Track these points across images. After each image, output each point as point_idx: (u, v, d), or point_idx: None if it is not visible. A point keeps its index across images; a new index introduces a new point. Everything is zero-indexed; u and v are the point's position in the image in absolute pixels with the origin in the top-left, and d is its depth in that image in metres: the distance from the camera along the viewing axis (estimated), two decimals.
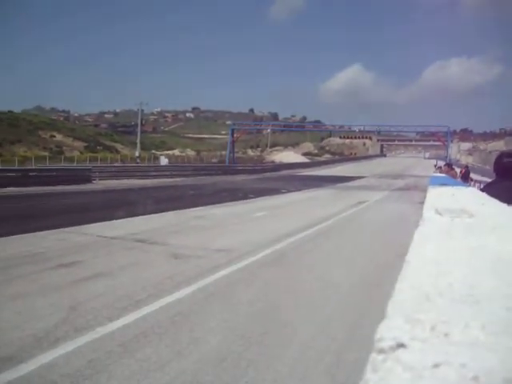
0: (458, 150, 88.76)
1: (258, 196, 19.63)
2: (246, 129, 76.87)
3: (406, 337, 0.47)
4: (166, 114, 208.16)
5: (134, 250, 8.10)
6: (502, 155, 3.97)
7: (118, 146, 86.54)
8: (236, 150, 67.31)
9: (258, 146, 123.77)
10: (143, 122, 74.56)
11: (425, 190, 3.88)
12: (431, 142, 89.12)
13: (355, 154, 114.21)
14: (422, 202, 2.30)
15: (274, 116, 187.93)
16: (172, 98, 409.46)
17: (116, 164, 45.70)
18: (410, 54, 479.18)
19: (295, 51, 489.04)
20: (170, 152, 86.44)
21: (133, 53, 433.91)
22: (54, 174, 25.04)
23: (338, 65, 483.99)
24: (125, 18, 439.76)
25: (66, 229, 9.88)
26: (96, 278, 6.19)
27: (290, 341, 4.33)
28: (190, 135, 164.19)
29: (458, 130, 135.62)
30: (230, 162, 56.76)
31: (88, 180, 25.61)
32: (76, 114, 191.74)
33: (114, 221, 11.26)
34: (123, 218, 11.69)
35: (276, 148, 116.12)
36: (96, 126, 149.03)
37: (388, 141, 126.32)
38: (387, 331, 0.48)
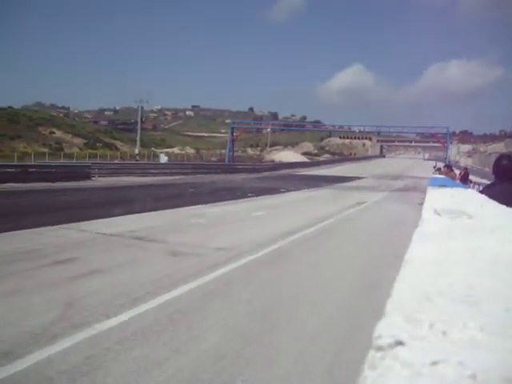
0: (458, 152, 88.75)
1: (257, 195, 19.61)
2: (246, 127, 76.86)
3: (404, 335, 0.47)
4: (166, 112, 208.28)
5: (132, 248, 8.09)
6: (501, 157, 3.98)
7: (118, 143, 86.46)
8: (236, 148, 67.28)
9: (257, 145, 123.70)
10: (143, 119, 74.45)
11: (424, 192, 3.89)
12: (431, 144, 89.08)
13: (355, 154, 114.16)
14: (421, 203, 2.31)
15: (274, 115, 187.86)
16: (172, 95, 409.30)
17: (115, 161, 45.59)
18: (410, 55, 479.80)
19: (295, 51, 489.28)
20: (170, 150, 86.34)
21: (133, 50, 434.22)
22: (54, 170, 24.96)
23: (338, 65, 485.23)
24: (126, 16, 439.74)
25: (65, 225, 9.87)
26: (93, 275, 6.18)
27: (288, 339, 4.33)
28: (190, 133, 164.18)
29: (457, 132, 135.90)
30: (229, 161, 56.69)
31: (87, 177, 25.56)
32: (76, 111, 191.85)
33: (113, 218, 11.24)
34: (122, 215, 11.67)
35: (276, 147, 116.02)
36: (96, 122, 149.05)
37: (388, 142, 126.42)
38: (386, 329, 0.48)
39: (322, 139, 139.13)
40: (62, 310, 4.78)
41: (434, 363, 0.41)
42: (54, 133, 77.18)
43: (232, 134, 61.51)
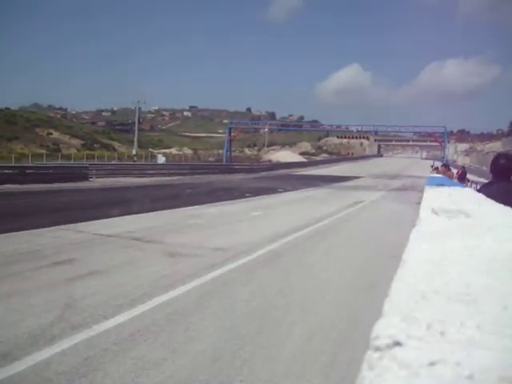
0: (455, 151, 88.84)
1: (254, 195, 19.63)
2: (244, 127, 76.90)
3: (402, 335, 0.47)
4: (164, 113, 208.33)
5: (130, 248, 8.09)
6: (498, 156, 3.99)
7: (115, 144, 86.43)
8: (233, 148, 67.20)
9: (255, 145, 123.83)
10: (141, 120, 74.45)
11: (421, 191, 3.90)
12: (428, 143, 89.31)
13: (352, 153, 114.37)
14: (419, 203, 2.31)
15: (272, 115, 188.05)
16: (169, 96, 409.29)
17: (113, 162, 45.59)
18: (407, 54, 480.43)
19: (293, 51, 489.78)
20: (167, 150, 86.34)
21: (131, 51, 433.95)
22: (51, 171, 24.96)
23: (336, 65, 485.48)
24: (123, 17, 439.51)
25: (62, 226, 9.86)
26: (92, 276, 6.18)
27: (285, 340, 4.33)
28: (187, 134, 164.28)
29: (455, 131, 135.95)
30: (227, 161, 56.62)
31: (85, 178, 25.54)
32: (73, 112, 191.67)
33: (111, 219, 11.24)
34: (119, 216, 11.66)
35: (273, 147, 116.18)
36: (93, 123, 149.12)
37: (385, 141, 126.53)
38: (383, 329, 0.48)
39: (319, 139, 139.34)
40: (61, 311, 4.78)
41: (432, 363, 0.41)
42: (51, 134, 77.14)
43: (230, 135, 61.50)
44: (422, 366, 0.41)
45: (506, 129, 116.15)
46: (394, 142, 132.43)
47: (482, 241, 0.99)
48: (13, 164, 31.64)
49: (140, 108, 56.11)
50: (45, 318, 4.57)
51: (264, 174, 42.37)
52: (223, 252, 7.89)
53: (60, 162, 43.04)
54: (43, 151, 55.69)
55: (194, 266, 6.88)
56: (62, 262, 6.90)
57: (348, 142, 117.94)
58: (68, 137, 79.35)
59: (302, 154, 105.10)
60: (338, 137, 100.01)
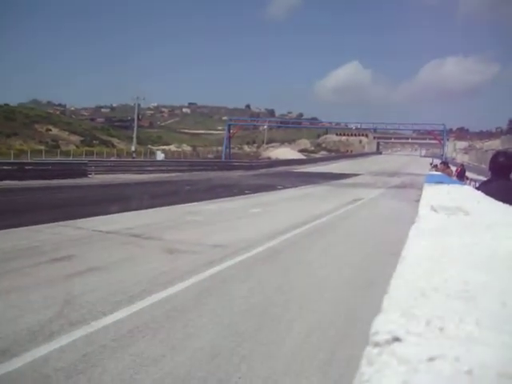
0: (454, 149, 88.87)
1: (253, 192, 19.63)
2: (243, 124, 76.88)
3: (401, 331, 0.47)
4: (163, 109, 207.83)
5: (128, 245, 8.09)
6: (497, 154, 4.00)
7: (115, 141, 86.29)
8: (232, 145, 67.13)
9: (254, 142, 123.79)
10: (140, 116, 74.33)
11: (421, 188, 3.90)
12: (427, 141, 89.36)
13: (351, 151, 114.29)
14: (418, 200, 2.31)
15: (271, 112, 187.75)
16: (169, 93, 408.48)
17: (112, 158, 45.53)
18: (407, 52, 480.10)
19: (292, 48, 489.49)
20: (166, 147, 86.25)
21: (130, 48, 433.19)
22: (50, 167, 24.97)
23: (335, 62, 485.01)
24: (122, 13, 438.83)
25: (61, 223, 9.86)
26: (90, 272, 6.18)
27: (284, 336, 4.34)
28: (186, 130, 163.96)
29: (454, 129, 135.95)
30: (226, 158, 56.60)
31: (84, 174, 25.54)
32: (72, 108, 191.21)
33: (109, 215, 11.24)
34: (118, 212, 11.66)
35: (272, 144, 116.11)
36: (92, 120, 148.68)
37: (384, 138, 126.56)
38: (383, 325, 0.48)
39: (318, 136, 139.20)
40: (60, 308, 4.78)
41: (431, 359, 0.41)
42: (50, 130, 77.01)
43: (229, 131, 61.49)
44: (422, 361, 0.41)
45: (505, 127, 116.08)
46: (393, 140, 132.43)
47: (480, 238, 0.99)
48: (12, 160, 31.64)
49: (139, 105, 56.01)
50: (43, 315, 4.58)
51: (263, 171, 42.32)
52: (222, 249, 7.89)
53: (59, 158, 42.99)
54: (42, 147, 55.62)
55: (192, 263, 6.89)
56: (61, 258, 6.90)
57: (347, 140, 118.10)
58: (67, 133, 79.22)
59: (301, 151, 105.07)
60: (337, 134, 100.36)
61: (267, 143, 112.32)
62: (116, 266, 6.64)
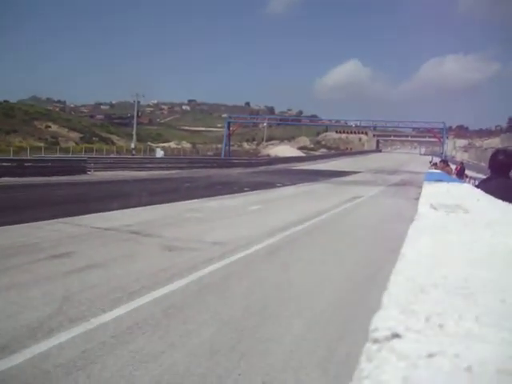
0: (454, 147, 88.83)
1: (253, 189, 19.61)
2: (242, 122, 76.64)
3: (400, 327, 0.47)
4: (162, 106, 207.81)
5: (128, 242, 8.09)
6: (497, 152, 4.00)
7: (114, 138, 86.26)
8: (232, 143, 67.06)
9: (253, 140, 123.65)
10: (139, 113, 74.12)
11: (420, 186, 3.90)
12: (427, 139, 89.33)
13: (351, 148, 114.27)
14: (418, 198, 2.31)
15: (270, 110, 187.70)
16: (168, 90, 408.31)
17: (111, 155, 45.54)
18: (407, 50, 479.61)
19: (292, 45, 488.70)
20: (166, 144, 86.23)
21: (130, 44, 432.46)
22: (50, 164, 24.90)
23: (335, 60, 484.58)
24: (122, 10, 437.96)
25: (61, 219, 9.85)
26: (90, 269, 6.18)
27: (283, 334, 4.34)
28: (186, 128, 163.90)
29: (454, 127, 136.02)
30: (225, 155, 56.54)
31: (83, 171, 25.50)
32: (72, 105, 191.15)
33: (109, 212, 11.23)
34: (118, 209, 11.65)
35: (272, 142, 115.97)
36: (92, 117, 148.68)
37: (384, 136, 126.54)
38: (382, 322, 0.49)
39: (318, 134, 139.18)
40: (59, 304, 4.78)
41: (431, 355, 0.42)
42: (49, 127, 76.96)
43: (228, 129, 61.39)
44: (421, 357, 0.41)
45: (504, 125, 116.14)
46: (392, 138, 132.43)
47: (480, 236, 0.99)
48: (11, 157, 31.57)
49: (139, 101, 55.94)
50: (43, 311, 4.58)
51: (262, 168, 42.29)
52: (221, 246, 7.89)
53: (58, 155, 42.97)
54: (42, 144, 55.62)
55: (192, 260, 6.89)
56: (61, 255, 6.90)
57: (347, 137, 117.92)
58: (66, 130, 79.16)
59: (301, 148, 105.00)
60: (336, 132, 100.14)
61: (267, 141, 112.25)
62: (115, 262, 6.64)
